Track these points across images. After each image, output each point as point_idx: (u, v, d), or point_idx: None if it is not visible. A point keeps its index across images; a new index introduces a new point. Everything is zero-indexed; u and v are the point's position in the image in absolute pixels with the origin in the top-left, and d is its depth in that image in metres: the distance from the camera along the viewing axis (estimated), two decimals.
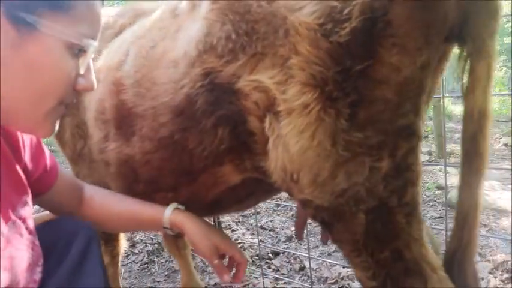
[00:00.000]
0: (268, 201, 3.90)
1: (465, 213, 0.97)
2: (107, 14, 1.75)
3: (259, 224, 3.89)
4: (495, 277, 2.86)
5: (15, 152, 1.01)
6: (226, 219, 4.23)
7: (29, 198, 0.99)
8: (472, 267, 1.01)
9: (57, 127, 0.92)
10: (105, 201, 1.32)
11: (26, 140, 1.05)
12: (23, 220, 0.94)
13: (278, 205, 4.16)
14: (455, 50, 0.92)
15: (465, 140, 0.93)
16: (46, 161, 1.13)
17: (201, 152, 1.15)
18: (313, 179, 0.95)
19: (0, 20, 0.74)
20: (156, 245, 3.85)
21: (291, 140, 0.93)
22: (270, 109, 0.95)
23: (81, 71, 0.87)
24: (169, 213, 1.26)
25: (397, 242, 0.95)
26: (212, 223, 3.40)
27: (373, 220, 0.95)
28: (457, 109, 14.43)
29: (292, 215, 3.86)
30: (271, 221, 4.10)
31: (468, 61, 0.87)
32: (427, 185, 5.23)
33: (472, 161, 0.93)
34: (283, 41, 0.89)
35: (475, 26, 0.84)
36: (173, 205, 1.28)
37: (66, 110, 0.91)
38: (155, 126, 1.20)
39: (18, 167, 0.99)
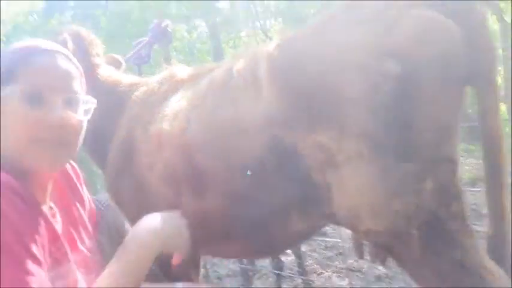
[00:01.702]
0: (348, 240, 3.77)
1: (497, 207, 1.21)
2: (149, 82, 2.02)
3: (344, 266, 3.73)
4: None
5: (74, 191, 1.33)
6: (309, 262, 4.12)
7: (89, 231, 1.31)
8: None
9: (57, 162, 1.15)
10: None
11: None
12: (90, 251, 1.25)
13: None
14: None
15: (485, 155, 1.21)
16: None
17: (271, 206, 1.37)
18: (370, 210, 1.17)
19: None
20: None
21: (349, 183, 1.18)
22: (329, 162, 1.20)
23: (41, 111, 1.08)
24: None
25: (455, 252, 1.12)
26: (298, 269, 3.32)
27: (427, 234, 1.13)
28: None
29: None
30: (356, 261, 3.92)
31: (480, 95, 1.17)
32: None
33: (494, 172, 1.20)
34: (336, 106, 1.16)
35: (483, 71, 1.14)
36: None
37: (50, 145, 1.11)
38: (228, 183, 1.43)
39: (78, 205, 1.31)
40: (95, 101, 1.19)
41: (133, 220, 1.86)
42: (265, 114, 1.31)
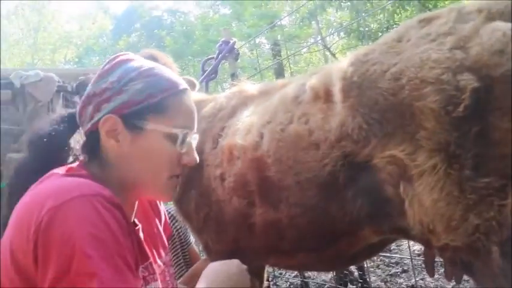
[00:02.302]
0: (416, 258, 3.65)
1: None
2: (217, 98, 2.14)
3: (409, 284, 3.62)
4: None
5: (154, 206, 1.45)
6: (373, 279, 4.04)
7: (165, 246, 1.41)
8: None
9: (175, 194, 1.26)
10: None
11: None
12: (166, 265, 1.34)
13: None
14: None
15: None
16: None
17: (343, 218, 1.40)
18: (447, 225, 1.15)
19: (121, 132, 1.12)
20: None
21: (423, 197, 1.17)
22: (403, 176, 1.22)
23: (183, 150, 1.18)
24: None
25: None
26: (362, 285, 3.27)
27: (509, 252, 1.09)
28: None
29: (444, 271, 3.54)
30: (422, 279, 3.80)
31: None
32: None
33: None
34: (410, 121, 1.18)
35: None
36: None
37: (178, 180, 1.24)
38: (302, 196, 1.48)
39: (157, 221, 1.43)
40: (197, 137, 1.28)
41: (199, 231, 1.98)
42: (338, 129, 1.35)
